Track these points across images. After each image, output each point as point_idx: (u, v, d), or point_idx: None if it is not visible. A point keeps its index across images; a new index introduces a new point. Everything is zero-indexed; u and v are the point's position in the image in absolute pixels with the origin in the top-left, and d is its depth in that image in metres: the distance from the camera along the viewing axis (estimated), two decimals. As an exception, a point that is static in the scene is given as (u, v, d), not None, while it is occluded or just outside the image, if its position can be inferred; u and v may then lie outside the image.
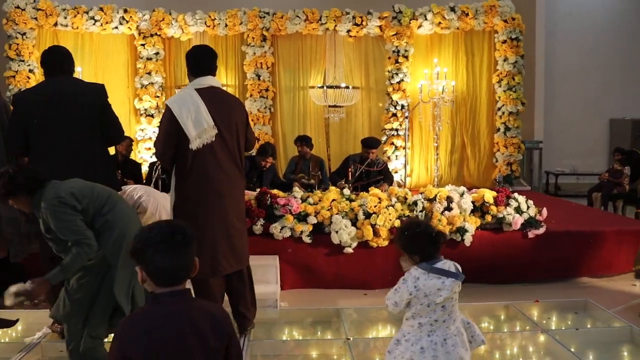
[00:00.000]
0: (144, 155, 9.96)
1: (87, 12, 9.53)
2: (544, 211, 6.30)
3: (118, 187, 4.69)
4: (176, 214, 4.19)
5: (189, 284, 2.22)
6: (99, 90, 4.42)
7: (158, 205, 5.28)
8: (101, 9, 9.58)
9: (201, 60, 4.27)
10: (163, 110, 9.52)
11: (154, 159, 8.82)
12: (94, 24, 9.59)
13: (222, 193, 4.16)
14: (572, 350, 4.16)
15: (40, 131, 4.23)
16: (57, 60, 4.41)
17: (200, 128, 4.04)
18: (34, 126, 4.23)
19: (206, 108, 4.07)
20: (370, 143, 7.96)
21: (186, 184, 4.12)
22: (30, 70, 9.32)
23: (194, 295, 2.18)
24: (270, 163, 7.84)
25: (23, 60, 9.27)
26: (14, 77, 9.26)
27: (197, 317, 2.06)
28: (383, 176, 7.89)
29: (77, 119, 4.25)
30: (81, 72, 8.94)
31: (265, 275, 5.32)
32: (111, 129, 4.42)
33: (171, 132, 4.06)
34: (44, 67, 4.42)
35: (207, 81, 4.21)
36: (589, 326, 4.91)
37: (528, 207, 6.24)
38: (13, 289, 3.23)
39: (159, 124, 4.31)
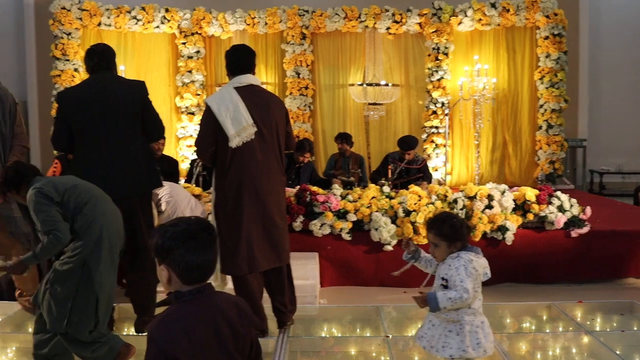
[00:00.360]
0: (185, 152, 10.09)
1: (129, 12, 9.72)
2: (588, 210, 6.18)
3: (159, 182, 4.74)
4: (217, 212, 4.25)
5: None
6: (139, 87, 4.46)
7: (176, 209, 5.38)
8: (143, 9, 9.75)
9: (240, 59, 4.30)
10: (204, 108, 9.69)
11: (195, 156, 8.92)
12: (136, 24, 9.76)
13: (262, 190, 4.18)
14: (618, 352, 4.06)
15: (83, 128, 4.30)
16: (99, 58, 4.46)
17: (239, 126, 4.07)
18: (77, 123, 4.30)
19: (245, 106, 4.10)
20: (408, 143, 7.82)
21: (226, 182, 4.17)
22: (75, 69, 9.54)
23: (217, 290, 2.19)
24: (308, 159, 7.84)
25: (68, 60, 9.50)
26: (59, 76, 9.50)
27: (226, 309, 2.08)
28: (423, 174, 7.83)
29: (118, 115, 4.29)
30: (124, 70, 9.09)
31: (305, 272, 5.34)
32: (152, 125, 4.45)
33: (210, 130, 4.13)
34: (86, 65, 4.50)
35: (246, 79, 4.24)
36: (635, 328, 4.80)
37: (571, 206, 6.14)
38: None
39: (199, 123, 4.36)
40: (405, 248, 3.42)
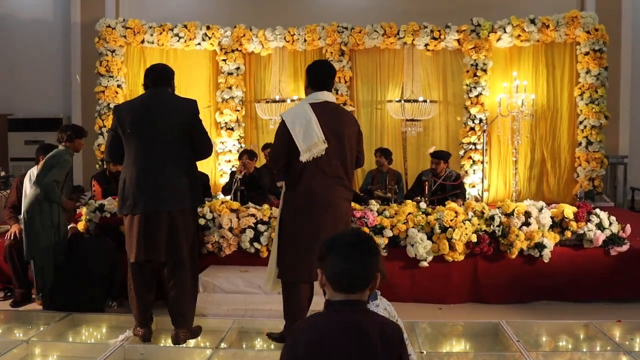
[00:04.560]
0: (224, 167, 10.24)
1: (172, 30, 9.93)
2: (628, 228, 6.10)
3: (202, 200, 4.84)
4: (283, 219, 4.38)
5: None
6: (189, 105, 4.58)
7: None
8: (185, 26, 9.95)
9: (323, 75, 4.49)
10: (243, 124, 9.84)
11: (234, 169, 9.05)
12: (178, 41, 9.97)
13: (328, 203, 4.30)
14: (656, 372, 4.02)
15: (131, 141, 4.44)
16: (154, 75, 4.61)
17: (310, 142, 4.22)
18: (126, 136, 4.45)
19: (318, 122, 4.23)
20: (438, 153, 8.02)
21: (295, 193, 4.31)
22: (119, 86, 9.78)
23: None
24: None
25: (112, 76, 9.74)
26: (103, 92, 9.74)
27: (368, 327, 2.05)
28: (459, 190, 7.80)
29: (165, 131, 4.42)
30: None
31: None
32: (199, 143, 4.56)
33: (283, 143, 4.30)
34: (144, 82, 4.66)
35: (322, 96, 4.39)
36: (675, 349, 4.71)
37: (610, 224, 6.06)
38: None
39: (275, 135, 4.53)
40: None
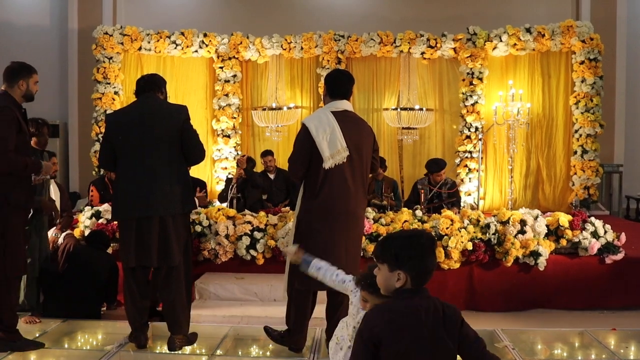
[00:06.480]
0: (220, 174, 10.23)
1: (169, 37, 9.95)
2: (623, 236, 6.12)
3: (194, 205, 4.86)
4: (301, 229, 4.32)
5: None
6: (179, 111, 4.57)
7: None
8: (182, 34, 9.98)
9: (341, 84, 4.45)
10: (240, 131, 9.81)
11: (230, 177, 9.05)
12: (175, 48, 9.99)
13: (348, 211, 4.27)
14: (650, 380, 4.03)
15: (123, 149, 4.47)
16: (144, 82, 4.63)
17: (334, 149, 4.21)
18: (118, 144, 4.47)
19: (340, 130, 4.23)
20: (437, 164, 7.81)
21: (315, 202, 4.25)
22: (116, 92, 9.78)
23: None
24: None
25: (109, 83, 9.74)
26: (100, 99, 9.74)
27: (433, 311, 2.32)
28: (455, 198, 7.79)
29: (156, 138, 4.43)
30: (162, 93, 9.30)
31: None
32: (190, 149, 4.55)
33: (306, 150, 4.24)
34: (135, 90, 4.67)
35: (342, 105, 4.38)
36: (669, 357, 4.73)
37: (605, 232, 6.08)
38: None
39: (294, 142, 4.44)
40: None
